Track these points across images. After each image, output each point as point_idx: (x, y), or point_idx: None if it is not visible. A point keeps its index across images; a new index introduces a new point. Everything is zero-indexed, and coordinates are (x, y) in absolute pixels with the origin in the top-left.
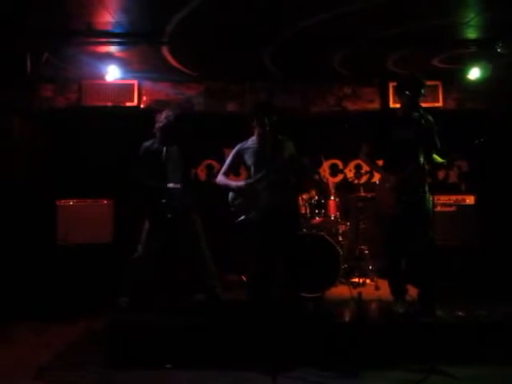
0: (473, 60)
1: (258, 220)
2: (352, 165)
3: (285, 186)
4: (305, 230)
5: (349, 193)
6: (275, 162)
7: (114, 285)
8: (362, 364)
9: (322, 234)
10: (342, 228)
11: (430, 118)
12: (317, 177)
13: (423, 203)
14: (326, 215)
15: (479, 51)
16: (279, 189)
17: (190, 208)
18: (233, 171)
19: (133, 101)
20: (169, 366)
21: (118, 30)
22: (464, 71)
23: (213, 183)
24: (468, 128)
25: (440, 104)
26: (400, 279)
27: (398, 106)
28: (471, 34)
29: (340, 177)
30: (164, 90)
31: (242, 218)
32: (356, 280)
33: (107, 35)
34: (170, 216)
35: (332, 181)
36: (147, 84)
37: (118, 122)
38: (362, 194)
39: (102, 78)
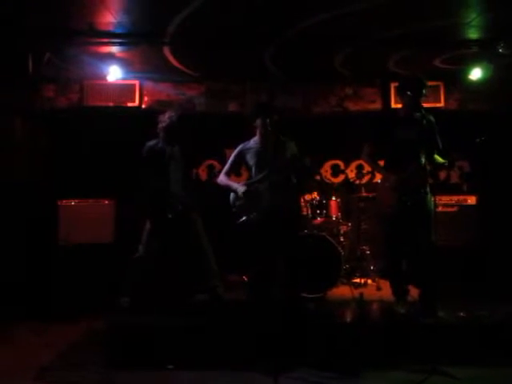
0: (474, 60)
1: (259, 220)
2: (353, 165)
3: (286, 187)
4: (306, 230)
5: (350, 193)
6: (277, 162)
7: (115, 285)
8: (363, 364)
9: (324, 234)
10: (343, 228)
11: (432, 118)
12: (318, 177)
13: (424, 204)
14: (328, 216)
15: (481, 51)
16: (281, 189)
17: (191, 208)
18: (234, 171)
19: (134, 101)
20: (170, 366)
21: (119, 31)
22: (466, 71)
23: (214, 183)
24: (469, 128)
25: (441, 104)
26: (401, 280)
27: (399, 106)
28: (473, 34)
29: (341, 177)
30: (165, 90)
31: (244, 218)
32: (357, 280)
33: (109, 35)
34: (171, 216)
35: (332, 181)
36: (148, 84)
37: (120, 122)
38: (364, 194)
39: (103, 78)
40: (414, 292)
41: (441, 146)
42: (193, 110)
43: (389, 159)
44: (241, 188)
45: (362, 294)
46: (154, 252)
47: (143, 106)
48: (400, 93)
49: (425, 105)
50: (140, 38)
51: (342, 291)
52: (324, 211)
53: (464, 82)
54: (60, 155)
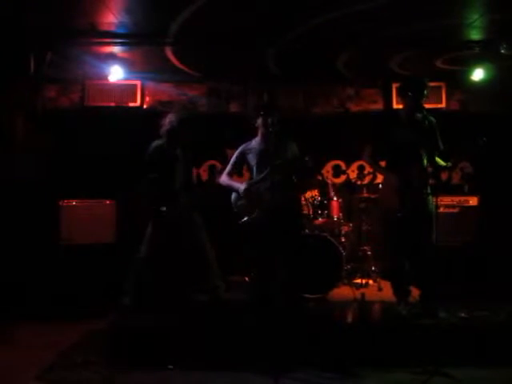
0: (476, 61)
1: (260, 220)
2: (355, 166)
3: (287, 187)
4: (307, 230)
5: (352, 194)
6: (278, 162)
7: (116, 285)
8: (364, 365)
9: (325, 234)
10: (344, 229)
11: (433, 119)
12: (319, 177)
13: (426, 205)
14: (329, 216)
15: (483, 52)
16: (282, 189)
17: (193, 208)
18: (236, 172)
19: (136, 101)
20: (170, 366)
21: (121, 31)
22: (467, 72)
23: (216, 184)
24: (471, 129)
25: (443, 105)
26: (403, 281)
27: (401, 107)
28: (475, 35)
29: (343, 178)
30: (167, 90)
31: (245, 218)
32: (359, 281)
33: (111, 36)
34: (172, 215)
35: (334, 181)
36: (150, 84)
37: (121, 122)
38: (365, 194)
39: (105, 78)
40: (415, 293)
41: (442, 147)
42: (194, 111)
43: (390, 160)
44: (242, 186)
45: (363, 295)
46: (156, 252)
47: (145, 106)
48: (401, 94)
49: (426, 106)
50: (142, 38)
51: (343, 292)
52: (325, 212)
53: (466, 82)
54: (61, 155)
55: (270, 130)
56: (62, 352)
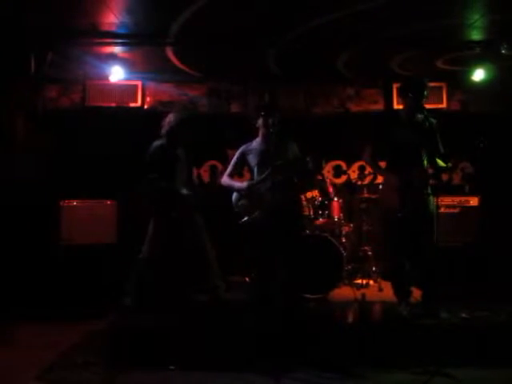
0: (477, 61)
1: (261, 220)
2: (355, 166)
3: (288, 187)
4: (308, 231)
5: (352, 194)
6: (279, 162)
7: (117, 285)
8: (364, 365)
9: (326, 235)
10: (345, 229)
11: (433, 120)
12: (320, 178)
13: (426, 205)
14: (330, 216)
15: (484, 53)
16: (282, 189)
17: (194, 208)
18: (237, 172)
19: (136, 101)
20: (172, 367)
21: (122, 31)
22: (468, 73)
23: (217, 184)
24: (472, 130)
25: (444, 105)
26: (404, 281)
27: (401, 107)
28: (476, 35)
29: (343, 178)
30: (168, 90)
31: (246, 218)
32: (359, 281)
33: (111, 36)
34: (174, 215)
35: (335, 182)
36: (151, 85)
37: (122, 122)
38: (366, 195)
39: (105, 78)
40: (416, 293)
41: (442, 148)
42: (194, 111)
43: (390, 160)
44: (244, 184)
45: (363, 295)
46: (158, 253)
47: (145, 107)
48: (402, 94)
49: (427, 106)
50: (143, 38)
51: (343, 292)
52: (326, 212)
53: (466, 83)
54: (62, 155)
55: (271, 130)
56: (62, 352)
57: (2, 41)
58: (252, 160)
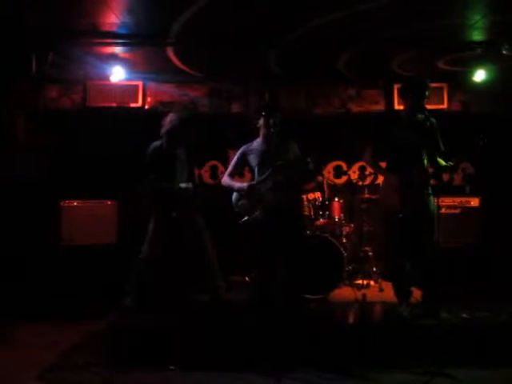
0: (478, 62)
1: (261, 220)
2: (356, 166)
3: (289, 187)
4: (309, 231)
5: (353, 194)
6: (279, 162)
7: (117, 285)
8: (365, 366)
9: (326, 235)
10: (346, 229)
11: (434, 120)
12: (320, 178)
13: (427, 205)
14: (330, 217)
15: (485, 53)
16: (283, 190)
17: (194, 209)
18: (238, 172)
19: (137, 102)
20: (172, 367)
21: (123, 31)
22: (469, 73)
23: (217, 184)
24: (473, 130)
25: (445, 106)
26: (404, 281)
27: (402, 107)
28: (477, 36)
29: (344, 178)
30: (168, 91)
31: (246, 218)
32: (360, 282)
33: (112, 36)
34: (174, 215)
35: (335, 182)
36: (152, 85)
37: (123, 122)
38: (366, 195)
39: (106, 78)
40: (416, 293)
41: (443, 148)
42: (195, 111)
43: (391, 161)
44: (245, 184)
45: (364, 296)
46: (158, 253)
47: (146, 107)
48: (403, 94)
49: (428, 106)
50: (143, 38)
51: (344, 292)
52: (327, 212)
53: (467, 83)
54: (63, 156)
55: (272, 130)
56: (63, 352)
57: (2, 41)
58: (253, 160)
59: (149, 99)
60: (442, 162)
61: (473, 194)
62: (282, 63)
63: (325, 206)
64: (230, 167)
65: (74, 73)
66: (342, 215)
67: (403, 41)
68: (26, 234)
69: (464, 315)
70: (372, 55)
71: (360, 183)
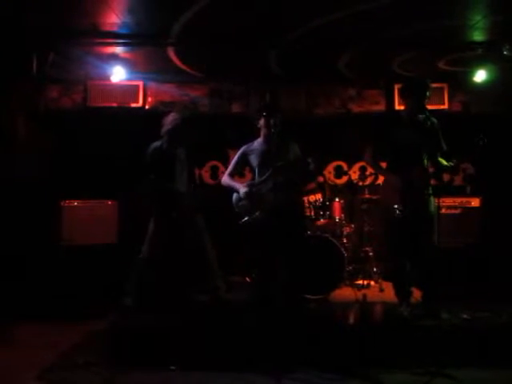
0: (479, 62)
1: (262, 221)
2: (357, 167)
3: (289, 188)
4: (309, 231)
5: (353, 195)
6: (280, 163)
7: (117, 286)
8: (365, 366)
9: (327, 235)
10: (346, 230)
11: (435, 120)
12: (321, 178)
13: (427, 206)
14: (331, 217)
15: (485, 54)
16: (284, 190)
17: (194, 209)
18: (238, 172)
19: (138, 102)
20: (173, 367)
21: (123, 31)
22: (470, 73)
23: (218, 184)
24: (473, 131)
25: (445, 106)
26: (405, 282)
27: (403, 108)
28: (478, 36)
29: (345, 179)
30: (169, 91)
31: (246, 218)
32: (360, 282)
33: (113, 36)
34: (174, 215)
35: (336, 182)
36: (152, 85)
37: (123, 122)
38: (367, 195)
39: (107, 78)
40: (416, 294)
41: (445, 148)
42: (195, 111)
43: (392, 161)
44: (243, 189)
45: (365, 296)
46: (158, 253)
47: (147, 107)
48: (403, 95)
49: (428, 107)
50: (144, 38)
51: (345, 293)
52: (327, 212)
53: (468, 84)
54: (63, 155)
55: (272, 130)
56: (63, 352)
57: (3, 41)
58: (253, 160)
59: (149, 99)
60: (444, 162)
61: (473, 195)
62: (282, 63)
63: (325, 207)
64: (230, 167)
65: (75, 73)
66: (342, 215)
67: (404, 41)
68: (26, 233)
69: (464, 315)
70: (372, 55)
71: (360, 183)
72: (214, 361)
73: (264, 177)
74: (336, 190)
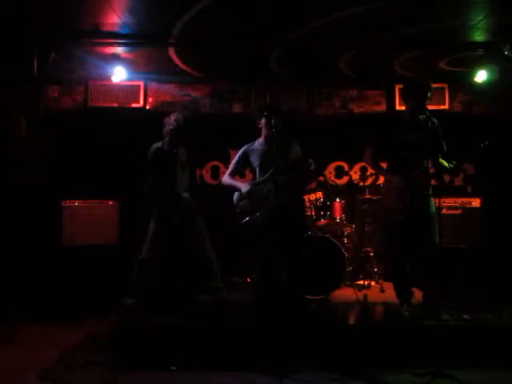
0: (480, 63)
1: (262, 221)
2: (357, 167)
3: (290, 188)
4: (310, 231)
5: (354, 195)
6: (281, 163)
7: (118, 286)
8: (366, 366)
9: (328, 236)
10: (347, 230)
11: (436, 120)
12: (322, 178)
13: (428, 206)
14: (332, 217)
15: (486, 54)
16: (285, 190)
17: (195, 210)
18: (239, 172)
19: (139, 102)
20: (173, 368)
21: (124, 31)
22: (471, 74)
23: (219, 185)
24: (474, 131)
25: (446, 106)
26: (405, 282)
27: (404, 108)
28: (478, 36)
29: (345, 179)
30: (170, 91)
31: (247, 219)
32: (361, 282)
33: (114, 36)
34: (175, 219)
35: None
36: (153, 85)
37: (124, 122)
38: (368, 196)
39: (108, 78)
40: (418, 294)
41: (445, 149)
42: (197, 111)
43: (392, 161)
44: (245, 188)
45: (365, 296)
46: (158, 253)
47: (148, 107)
48: (404, 95)
49: (429, 107)
50: (145, 38)
51: (345, 293)
52: (328, 213)
53: (469, 84)
54: (64, 155)
55: (273, 130)
56: (64, 352)
57: (4, 41)
58: (254, 160)
59: (150, 99)
60: (445, 163)
61: (474, 195)
62: (283, 63)
63: (326, 207)
64: (231, 167)
65: (76, 73)
66: (343, 216)
67: (405, 41)
68: (27, 233)
69: (465, 316)
70: (374, 56)
71: (361, 184)
72: (214, 360)
73: (265, 177)
74: (337, 191)
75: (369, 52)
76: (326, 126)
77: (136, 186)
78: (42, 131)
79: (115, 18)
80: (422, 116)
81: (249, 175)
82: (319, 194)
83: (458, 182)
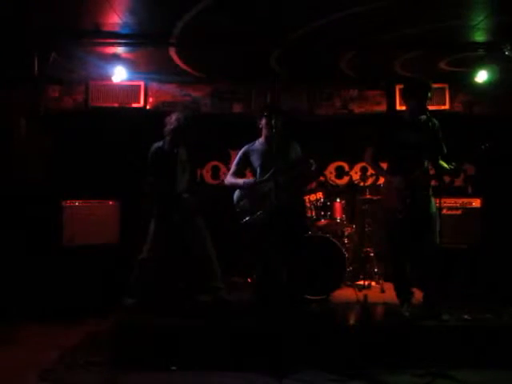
0: (480, 63)
1: (263, 221)
2: (358, 167)
3: (291, 188)
4: (310, 232)
5: (354, 195)
6: (281, 163)
7: (118, 286)
8: (366, 367)
9: (328, 236)
10: (347, 230)
11: (436, 121)
12: (322, 179)
13: (428, 206)
14: (332, 217)
15: (487, 54)
16: (285, 190)
17: (195, 210)
18: (240, 172)
19: (139, 102)
20: (174, 368)
21: (125, 31)
22: (471, 74)
23: (219, 184)
24: (475, 131)
25: (447, 107)
26: (406, 282)
27: (404, 108)
28: (479, 36)
29: (346, 179)
30: (170, 91)
31: (247, 218)
32: (361, 282)
33: (114, 36)
34: (175, 219)
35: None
36: (154, 85)
37: (125, 122)
38: (368, 196)
39: (108, 78)
40: (418, 295)
41: (445, 150)
42: (197, 111)
43: (393, 161)
44: (248, 180)
45: (366, 296)
46: (159, 253)
47: (148, 107)
48: (405, 95)
49: (430, 107)
50: (146, 38)
51: (346, 293)
52: (328, 213)
53: (470, 84)
54: (65, 155)
55: (274, 130)
56: (64, 352)
57: (4, 41)
58: (255, 160)
59: (151, 99)
60: (444, 165)
61: (474, 195)
62: (284, 63)
63: (326, 207)
64: (233, 167)
65: (76, 73)
66: (343, 216)
67: (405, 42)
68: (27, 234)
69: (465, 316)
70: (374, 56)
71: (362, 184)
72: (214, 361)
73: (265, 177)
74: (337, 191)
75: (369, 52)
76: (326, 126)
77: (136, 186)
78: (42, 131)
79: (116, 18)
80: (422, 116)
81: (249, 176)
82: (319, 194)
83: (459, 182)
